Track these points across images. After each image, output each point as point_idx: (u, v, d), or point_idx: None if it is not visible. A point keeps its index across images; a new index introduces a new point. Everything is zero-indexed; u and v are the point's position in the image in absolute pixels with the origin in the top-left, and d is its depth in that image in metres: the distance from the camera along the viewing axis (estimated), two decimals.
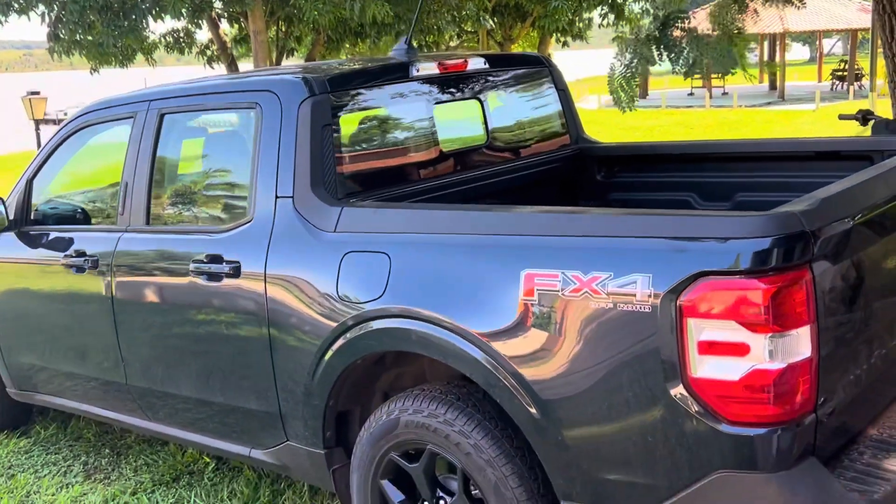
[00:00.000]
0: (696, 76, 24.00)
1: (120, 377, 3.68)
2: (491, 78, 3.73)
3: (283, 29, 19.64)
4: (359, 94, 3.22)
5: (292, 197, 2.99)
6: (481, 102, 3.68)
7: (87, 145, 4.03)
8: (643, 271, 2.14)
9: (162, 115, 3.52)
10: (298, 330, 2.92)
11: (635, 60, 8.53)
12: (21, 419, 4.71)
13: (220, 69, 20.35)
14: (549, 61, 3.96)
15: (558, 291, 2.27)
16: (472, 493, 2.62)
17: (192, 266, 3.24)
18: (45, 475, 4.17)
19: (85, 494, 3.94)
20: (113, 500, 3.85)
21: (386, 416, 2.74)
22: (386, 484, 2.82)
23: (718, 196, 3.69)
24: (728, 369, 2.05)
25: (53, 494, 3.97)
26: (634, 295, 2.14)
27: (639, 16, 20.81)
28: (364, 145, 3.30)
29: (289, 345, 2.96)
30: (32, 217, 4.15)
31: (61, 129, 4.02)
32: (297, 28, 20.03)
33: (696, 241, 2.10)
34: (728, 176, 3.70)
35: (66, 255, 3.78)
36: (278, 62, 19.63)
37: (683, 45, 8.79)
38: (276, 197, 3.03)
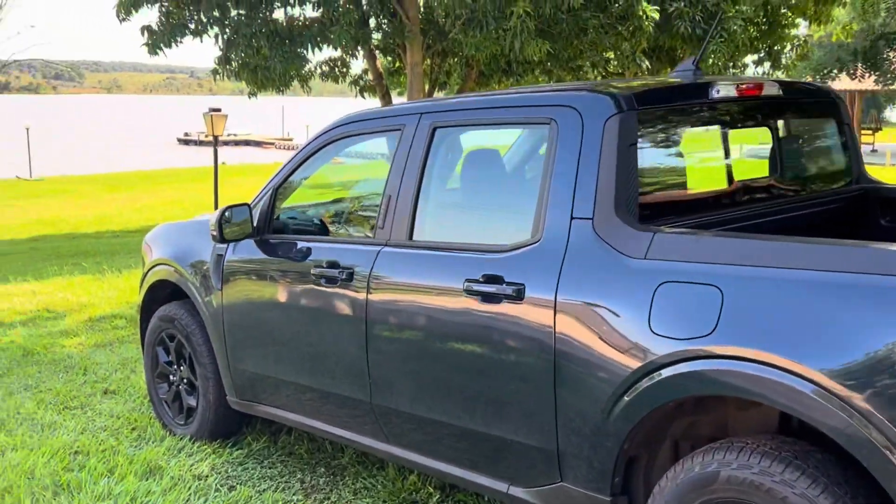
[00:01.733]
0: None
1: (364, 395, 3.55)
2: (781, 106, 3.47)
3: (438, 62, 19.85)
4: (661, 113, 3.02)
5: (592, 219, 2.80)
6: (771, 130, 3.42)
7: (336, 157, 3.97)
8: None
9: (434, 129, 3.40)
10: (594, 363, 2.70)
11: None
12: (232, 429, 4.67)
13: (373, 101, 20.76)
14: (836, 93, 3.67)
15: None
16: None
17: (464, 286, 3.08)
18: (264, 490, 4.08)
19: None
20: None
21: (700, 467, 2.47)
22: None
23: None
24: None
25: None
26: None
27: (795, 61, 20.15)
28: (662, 168, 3.09)
29: (579, 378, 2.75)
30: (273, 226, 4.11)
31: (314, 139, 3.97)
32: (451, 62, 20.26)
33: None
34: None
35: (315, 266, 3.70)
36: (430, 94, 19.84)
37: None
38: (572, 218, 2.84)
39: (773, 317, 2.32)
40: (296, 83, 18.55)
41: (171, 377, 4.77)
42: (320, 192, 4.46)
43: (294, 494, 4.02)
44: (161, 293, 4.89)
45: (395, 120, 3.60)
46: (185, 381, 4.67)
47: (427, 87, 19.51)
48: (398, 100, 20.05)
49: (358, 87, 20.71)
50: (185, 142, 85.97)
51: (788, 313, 2.29)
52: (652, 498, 2.63)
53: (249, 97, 18.40)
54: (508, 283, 2.95)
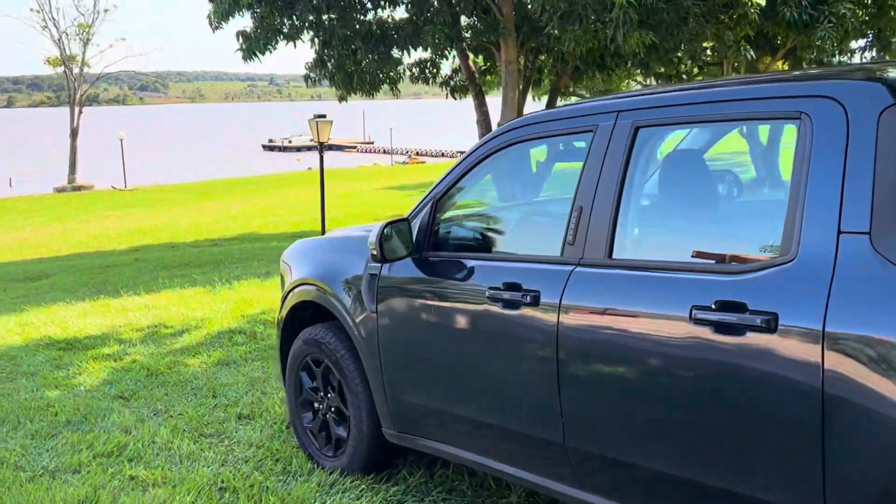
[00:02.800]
0: None
1: (555, 435, 3.11)
2: None
3: (531, 59, 19.35)
4: None
5: (869, 233, 2.30)
6: None
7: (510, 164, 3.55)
8: None
9: (637, 129, 2.95)
10: (885, 408, 2.20)
11: None
12: (386, 462, 4.29)
13: (464, 101, 20.37)
14: None
15: None
16: None
17: (695, 314, 2.61)
18: None
19: None
20: None
21: None
22: None
23: None
24: None
25: None
26: None
27: None
28: None
29: (860, 426, 2.25)
30: (434, 241, 3.72)
31: (481, 145, 3.55)
32: (543, 58, 19.74)
33: None
34: None
35: (492, 288, 3.28)
36: (524, 92, 19.35)
37: None
38: (840, 232, 2.35)
39: None
40: (385, 86, 18.35)
41: (317, 405, 4.42)
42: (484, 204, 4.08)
43: None
44: (303, 314, 4.56)
45: (584, 120, 3.16)
46: (333, 409, 4.32)
47: (521, 85, 19.06)
48: (491, 100, 19.64)
49: (449, 88, 20.39)
50: (270, 148, 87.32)
51: None
52: None
53: (340, 101, 18.25)
54: (754, 312, 2.47)
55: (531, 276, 3.18)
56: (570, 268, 3.05)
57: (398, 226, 3.65)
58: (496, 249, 3.56)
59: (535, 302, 3.11)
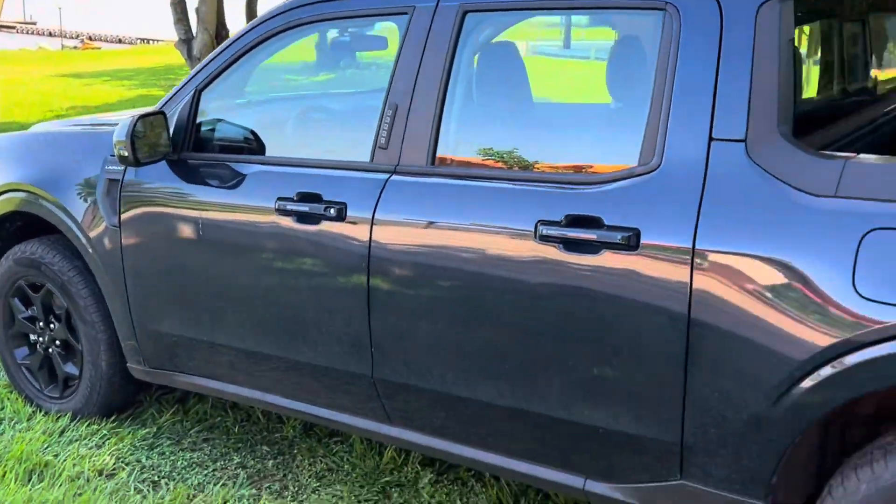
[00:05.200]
0: None
1: (363, 368, 2.71)
2: None
3: None
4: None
5: (744, 141, 2.10)
6: None
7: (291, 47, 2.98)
8: None
9: (465, 13, 2.52)
10: (755, 336, 2.05)
11: None
12: (128, 400, 3.64)
13: None
14: None
15: None
16: None
17: (542, 230, 2.30)
18: (199, 483, 3.15)
19: None
20: None
21: None
22: None
23: None
24: None
25: None
26: None
27: None
28: (816, 70, 2.43)
29: (729, 355, 2.10)
30: (199, 141, 3.07)
31: (258, 25, 2.93)
32: None
33: None
34: None
35: (281, 199, 2.75)
36: None
37: None
38: (711, 139, 2.14)
39: None
40: None
41: (35, 337, 3.63)
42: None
43: (241, 487, 3.13)
44: (8, 227, 3.69)
45: (396, 1, 2.67)
46: (58, 343, 3.56)
47: None
48: None
49: None
50: None
51: None
52: (829, 501, 2.06)
53: None
54: (612, 228, 2.21)
55: (334, 186, 2.69)
56: (385, 176, 2.60)
57: (151, 120, 2.95)
58: (283, 153, 3.00)
59: (341, 216, 2.64)
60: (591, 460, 2.43)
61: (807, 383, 2.00)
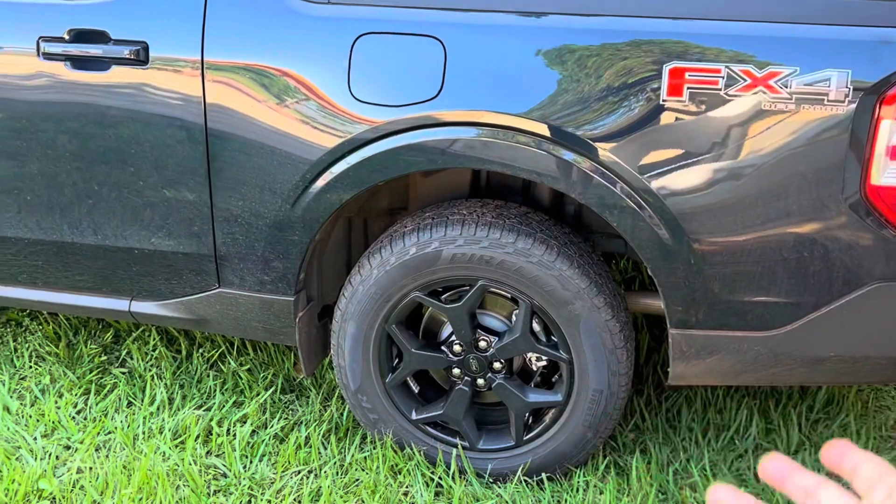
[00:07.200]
0: None
1: None
2: None
3: None
4: None
5: None
6: None
7: None
8: (839, 66, 1.86)
9: None
10: (268, 144, 2.11)
11: None
12: None
13: None
14: None
15: (719, 90, 1.90)
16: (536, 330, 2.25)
17: (44, 47, 2.14)
18: None
19: None
20: None
21: (416, 249, 2.15)
22: (397, 328, 2.27)
23: None
24: None
25: None
26: (826, 94, 1.87)
27: None
28: None
29: (247, 164, 2.15)
30: None
31: None
32: None
33: None
34: None
35: None
36: None
37: None
38: None
39: (516, 72, 2.00)
40: None
41: None
42: None
43: None
44: None
45: None
46: None
47: None
48: None
49: None
50: None
51: (537, 67, 1.98)
52: (349, 288, 2.26)
53: None
54: (120, 42, 2.11)
55: None
56: None
57: None
58: None
59: None
60: (134, 282, 2.41)
61: (319, 182, 2.11)
